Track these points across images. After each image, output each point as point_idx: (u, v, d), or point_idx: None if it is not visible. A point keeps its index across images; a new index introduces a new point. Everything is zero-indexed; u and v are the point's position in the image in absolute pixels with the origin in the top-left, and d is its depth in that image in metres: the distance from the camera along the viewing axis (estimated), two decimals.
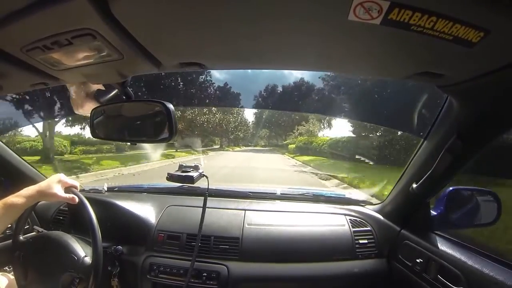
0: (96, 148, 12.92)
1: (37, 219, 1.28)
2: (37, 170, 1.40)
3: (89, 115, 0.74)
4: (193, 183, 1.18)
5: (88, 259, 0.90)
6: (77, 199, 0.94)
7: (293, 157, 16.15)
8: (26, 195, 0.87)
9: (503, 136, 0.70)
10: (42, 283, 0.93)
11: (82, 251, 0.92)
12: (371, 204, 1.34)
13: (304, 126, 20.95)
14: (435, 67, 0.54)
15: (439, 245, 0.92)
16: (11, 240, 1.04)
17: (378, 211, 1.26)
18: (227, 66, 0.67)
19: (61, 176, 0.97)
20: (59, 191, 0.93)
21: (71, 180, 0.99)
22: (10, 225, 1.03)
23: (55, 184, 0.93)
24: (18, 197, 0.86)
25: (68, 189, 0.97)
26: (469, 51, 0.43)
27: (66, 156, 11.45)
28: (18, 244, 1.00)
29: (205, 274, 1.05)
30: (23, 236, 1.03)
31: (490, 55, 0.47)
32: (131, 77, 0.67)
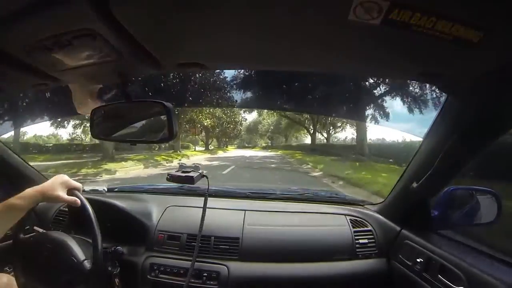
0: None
1: (37, 219, 1.28)
2: (38, 171, 1.40)
3: (89, 115, 0.74)
4: (193, 184, 1.18)
5: (87, 264, 0.89)
6: (79, 202, 0.93)
7: None
8: (28, 197, 0.85)
9: (503, 136, 0.70)
10: (40, 282, 0.93)
11: (82, 254, 0.91)
12: (371, 204, 1.34)
13: None
14: (435, 67, 0.54)
15: (439, 244, 0.92)
16: (11, 240, 1.03)
17: (378, 211, 1.26)
18: (227, 66, 0.67)
19: (65, 177, 0.96)
20: (62, 193, 0.91)
21: (74, 182, 0.97)
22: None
23: (58, 185, 0.91)
24: (20, 199, 0.84)
25: (71, 191, 0.95)
26: (469, 51, 0.43)
27: None
28: (18, 241, 1.00)
29: (205, 274, 1.05)
30: (23, 235, 1.02)
31: (490, 55, 0.47)
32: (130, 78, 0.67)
